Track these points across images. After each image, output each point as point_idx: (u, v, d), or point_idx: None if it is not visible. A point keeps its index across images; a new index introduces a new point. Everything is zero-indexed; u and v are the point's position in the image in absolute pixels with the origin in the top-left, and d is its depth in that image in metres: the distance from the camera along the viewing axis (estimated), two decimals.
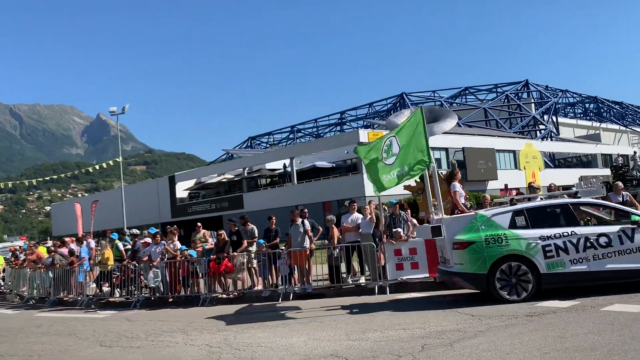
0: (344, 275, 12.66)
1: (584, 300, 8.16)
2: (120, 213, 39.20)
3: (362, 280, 12.58)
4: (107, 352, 7.80)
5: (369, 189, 35.02)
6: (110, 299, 14.21)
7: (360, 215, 12.70)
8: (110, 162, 53.77)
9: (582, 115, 76.77)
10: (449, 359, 5.58)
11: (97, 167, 64.30)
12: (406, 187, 16.14)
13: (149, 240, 14.42)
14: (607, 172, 51.99)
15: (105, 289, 14.65)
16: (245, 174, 48.61)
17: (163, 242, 13.96)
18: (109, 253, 15.18)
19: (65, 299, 15.04)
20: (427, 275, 11.38)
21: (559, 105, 70.88)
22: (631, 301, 7.77)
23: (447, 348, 6.09)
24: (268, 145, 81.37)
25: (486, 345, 6.05)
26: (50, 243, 22.37)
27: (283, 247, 12.95)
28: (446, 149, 42.39)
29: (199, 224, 15.58)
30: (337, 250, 12.34)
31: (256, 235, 13.35)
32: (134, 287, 13.78)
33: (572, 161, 58.75)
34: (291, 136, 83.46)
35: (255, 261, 12.92)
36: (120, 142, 46.09)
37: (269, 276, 12.68)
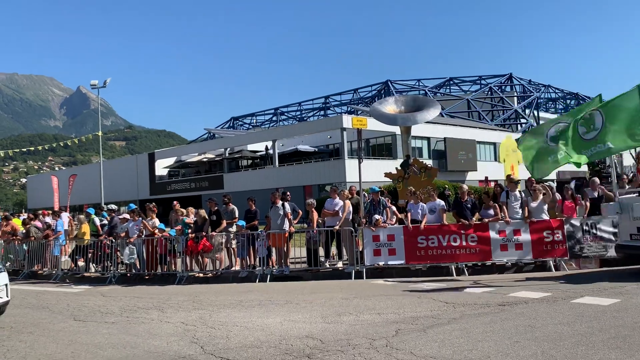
0: (322, 259, 12.73)
1: (555, 292, 8.35)
2: (98, 188, 38.70)
3: (340, 264, 12.67)
4: (80, 326, 7.75)
5: (350, 174, 35.17)
6: (86, 274, 14.10)
7: (341, 201, 12.75)
8: (90, 136, 52.93)
9: (563, 110, 77.73)
10: (422, 344, 5.67)
11: (75, 140, 63.24)
12: (387, 175, 16.27)
13: (127, 216, 14.30)
14: (584, 168, 52.84)
15: (81, 263, 14.53)
16: (227, 155, 48.33)
17: (140, 218, 13.85)
18: (85, 228, 15.03)
19: (39, 272, 14.88)
20: (404, 262, 11.51)
21: (541, 100, 71.65)
22: (601, 294, 7.96)
23: (420, 333, 6.19)
24: (251, 127, 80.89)
25: (459, 332, 6.16)
26: (25, 215, 22.04)
27: (262, 229, 12.97)
28: (428, 138, 42.62)
29: (176, 202, 15.47)
30: (316, 233, 12.40)
31: (236, 215, 13.32)
32: (109, 263, 13.68)
33: None
34: (274, 118, 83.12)
35: (234, 242, 12.91)
36: (101, 116, 45.34)
37: (247, 257, 12.70)
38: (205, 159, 52.11)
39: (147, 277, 13.12)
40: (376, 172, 22.20)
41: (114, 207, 16.64)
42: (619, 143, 9.23)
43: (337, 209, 12.59)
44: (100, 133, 41.09)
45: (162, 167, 53.87)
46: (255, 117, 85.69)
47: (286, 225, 12.52)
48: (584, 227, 11.17)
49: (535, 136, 10.71)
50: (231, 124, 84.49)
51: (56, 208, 21.50)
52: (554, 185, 13.34)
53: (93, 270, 14.29)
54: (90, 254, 14.21)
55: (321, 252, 12.84)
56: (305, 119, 79.21)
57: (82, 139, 56.79)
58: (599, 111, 9.41)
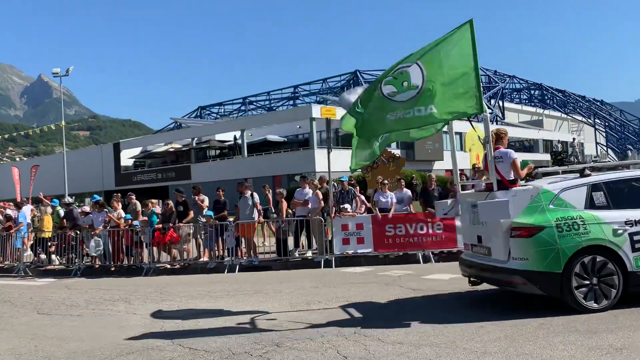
0: (291, 249, 12.75)
1: None
2: (62, 179, 37.82)
3: (309, 253, 12.71)
4: (45, 319, 7.60)
5: (320, 163, 35.21)
6: (49, 267, 13.79)
7: (311, 190, 12.77)
8: (52, 126, 51.56)
9: (527, 101, 79.28)
10: (389, 331, 5.76)
11: (37, 130, 61.65)
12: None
13: (87, 209, 14.08)
14: (547, 157, 54.27)
15: (43, 256, 14.20)
16: (194, 144, 47.71)
17: (106, 210, 13.62)
18: (48, 219, 14.69)
19: (0, 265, 14.47)
20: (372, 250, 11.64)
21: (506, 91, 72.87)
22: None
23: (387, 320, 6.28)
24: (218, 116, 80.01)
25: (425, 318, 6.28)
26: None
27: (231, 219, 12.90)
28: None
29: (130, 193, 15.14)
30: (285, 223, 12.40)
31: (207, 204, 13.22)
32: (74, 255, 13.42)
33: (515, 145, 60.75)
34: (243, 108, 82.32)
35: (202, 232, 12.81)
36: (63, 105, 44.18)
37: (215, 248, 12.62)
38: (172, 149, 51.27)
39: (113, 269, 12.92)
40: (345, 162, 22.22)
41: (70, 200, 16.35)
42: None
43: (306, 198, 12.61)
44: (63, 123, 40.08)
45: (127, 157, 52.83)
46: (223, 106, 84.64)
47: (255, 216, 12.48)
48: None
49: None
50: (198, 114, 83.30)
51: (18, 199, 20.83)
52: None
53: (57, 262, 13.99)
54: (53, 247, 13.91)
55: (290, 241, 12.85)
56: (274, 108, 78.70)
57: (44, 128, 55.28)
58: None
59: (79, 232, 13.49)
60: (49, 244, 14.01)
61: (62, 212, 15.23)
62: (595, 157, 62.06)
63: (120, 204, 13.96)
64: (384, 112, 6.53)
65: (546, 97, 78.65)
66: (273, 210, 14.02)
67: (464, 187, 7.61)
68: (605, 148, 76.63)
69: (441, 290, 7.97)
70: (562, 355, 4.61)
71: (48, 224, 14.63)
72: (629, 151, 59.06)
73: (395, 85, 6.52)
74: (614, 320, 5.63)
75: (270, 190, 14.45)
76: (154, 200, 14.21)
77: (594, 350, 4.69)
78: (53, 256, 14.04)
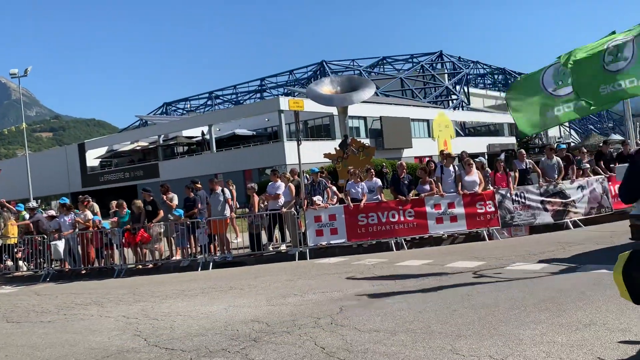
0: (265, 243, 12.72)
1: (489, 260, 8.74)
2: (26, 183, 36.80)
3: (283, 247, 12.71)
4: (14, 328, 7.41)
5: (290, 156, 35.16)
6: (17, 274, 13.45)
7: (282, 184, 12.75)
8: (13, 128, 50.19)
9: (491, 85, 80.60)
10: (365, 319, 5.81)
11: None
12: (326, 155, 16.40)
13: (52, 212, 13.76)
14: (512, 140, 55.33)
15: (9, 263, 13.83)
16: (161, 142, 47.02)
17: (73, 213, 13.33)
18: (12, 226, 14.30)
19: None
20: (346, 240, 11.70)
21: (470, 76, 73.89)
22: (531, 260, 8.42)
23: (363, 309, 6.33)
24: (185, 112, 79.00)
25: (400, 304, 6.35)
26: None
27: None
28: (364, 118, 43.13)
29: (86, 195, 14.83)
30: (258, 217, 12.35)
31: (176, 202, 13.07)
32: (42, 260, 13.11)
33: (481, 130, 61.76)
34: (209, 102, 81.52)
35: (174, 232, 12.67)
36: (24, 107, 42.95)
37: (188, 246, 12.49)
38: (138, 147, 50.44)
39: (83, 273, 12.68)
40: (315, 153, 22.28)
41: (34, 204, 15.97)
42: None
43: (278, 192, 12.57)
44: (24, 125, 38.98)
45: (93, 157, 51.79)
46: (189, 101, 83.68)
47: (227, 212, 12.40)
48: (514, 197, 11.72)
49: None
50: (164, 110, 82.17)
51: None
52: (485, 159, 13.87)
53: (25, 268, 13.66)
54: (20, 252, 13.56)
55: (264, 236, 12.81)
56: (241, 102, 78.17)
57: (5, 131, 53.83)
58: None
59: (45, 237, 13.18)
60: (15, 250, 13.66)
61: (27, 217, 14.85)
62: (558, 138, 63.54)
63: (88, 205, 13.66)
64: (597, 84, 7.18)
65: (509, 81, 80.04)
66: (238, 205, 14.09)
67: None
68: (567, 129, 78.53)
69: (414, 276, 8.07)
70: (533, 334, 4.73)
71: (13, 229, 14.24)
72: None
73: (613, 54, 7.23)
74: (581, 297, 5.80)
75: (234, 185, 14.36)
76: (113, 203, 13.92)
77: (563, 327, 4.82)
78: (20, 262, 13.70)
